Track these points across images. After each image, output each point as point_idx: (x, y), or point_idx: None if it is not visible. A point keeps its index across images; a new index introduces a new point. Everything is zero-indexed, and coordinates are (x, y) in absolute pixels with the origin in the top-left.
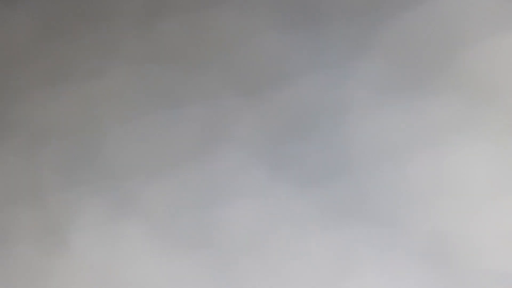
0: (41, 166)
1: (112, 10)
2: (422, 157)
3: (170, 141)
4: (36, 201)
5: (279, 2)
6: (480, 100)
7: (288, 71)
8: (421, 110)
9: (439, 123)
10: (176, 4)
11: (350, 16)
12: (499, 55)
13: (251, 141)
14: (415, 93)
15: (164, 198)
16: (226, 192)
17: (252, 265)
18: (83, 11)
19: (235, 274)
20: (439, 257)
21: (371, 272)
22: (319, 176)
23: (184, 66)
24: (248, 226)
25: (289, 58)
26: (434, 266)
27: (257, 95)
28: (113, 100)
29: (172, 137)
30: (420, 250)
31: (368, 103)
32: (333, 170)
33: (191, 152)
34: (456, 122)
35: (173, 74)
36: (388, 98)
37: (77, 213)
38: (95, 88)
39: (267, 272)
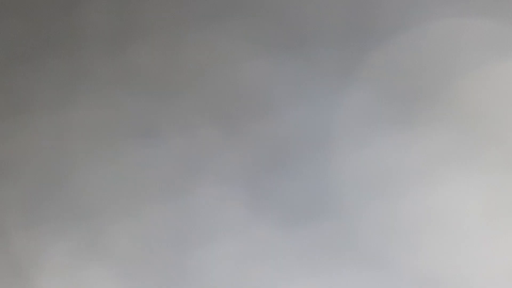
0: (2, 203)
1: (80, 33)
2: (412, 192)
3: (142, 175)
4: None
5: (261, 27)
6: (472, 131)
7: (271, 101)
8: (411, 142)
9: (429, 155)
10: (150, 27)
11: (338, 44)
12: (490, 85)
13: (230, 176)
14: (405, 124)
15: (136, 238)
16: (203, 233)
17: None
18: (48, 35)
19: None
20: None
21: None
22: (304, 214)
23: (158, 94)
24: (226, 269)
25: (272, 87)
26: None
27: (237, 126)
28: (81, 131)
29: (145, 171)
30: None
31: (356, 135)
32: (318, 207)
33: (165, 188)
34: (447, 154)
35: (146, 102)
36: (377, 129)
37: (42, 255)
38: (62, 118)
39: None
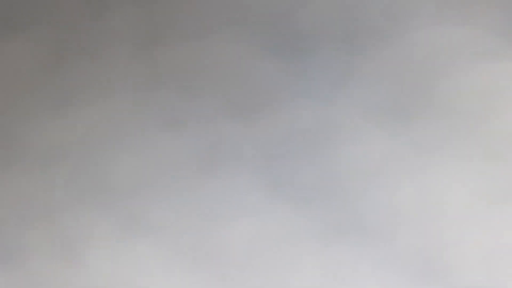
0: (52, 186)
1: (111, 38)
2: (407, 179)
3: (172, 162)
4: (49, 220)
5: (268, 30)
6: (464, 125)
7: (279, 96)
8: (406, 134)
9: (424, 147)
10: (174, 34)
11: (337, 45)
12: (482, 82)
13: (246, 163)
14: (400, 118)
15: (169, 217)
16: (225, 213)
17: (252, 282)
18: (82, 40)
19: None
20: (429, 274)
21: (365, 286)
22: (312, 197)
23: (181, 92)
24: (247, 244)
25: (279, 83)
26: (422, 280)
27: (250, 119)
28: (117, 123)
29: (172, 159)
30: (410, 266)
31: (355, 127)
32: (325, 190)
33: (189, 173)
34: (439, 147)
35: (171, 98)
36: (373, 123)
37: (88, 232)
38: (100, 111)
39: (265, 287)
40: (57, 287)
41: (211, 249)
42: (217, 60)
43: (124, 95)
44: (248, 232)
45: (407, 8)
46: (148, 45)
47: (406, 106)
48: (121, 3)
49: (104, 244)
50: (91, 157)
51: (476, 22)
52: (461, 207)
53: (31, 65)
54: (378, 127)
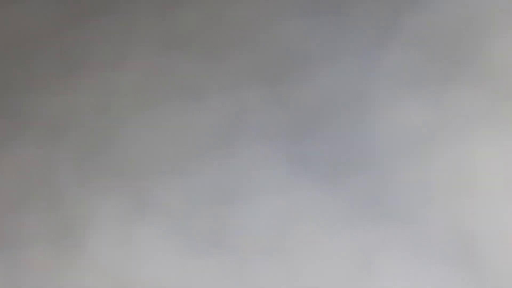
0: (56, 161)
1: None
2: (445, 152)
3: (187, 135)
4: (51, 199)
5: None
6: (505, 92)
7: (309, 60)
8: (445, 104)
9: (464, 117)
10: None
11: (373, 5)
12: None
13: (271, 135)
14: (439, 84)
15: (181, 195)
16: (245, 189)
17: (272, 265)
18: (99, 1)
19: (254, 274)
20: (462, 256)
21: (392, 270)
22: (340, 171)
23: (201, 55)
24: (267, 223)
25: (311, 46)
26: (456, 265)
27: (277, 85)
28: (129, 90)
29: (189, 131)
30: (442, 249)
31: (391, 95)
32: (354, 165)
33: (209, 147)
34: (481, 116)
35: (190, 63)
36: (412, 90)
37: (92, 212)
38: (111, 77)
39: (287, 271)
40: (57, 275)
41: (227, 233)
42: (241, 19)
43: (138, 58)
44: (269, 213)
45: None
46: (166, 4)
47: (448, 72)
48: None
49: (108, 228)
50: (99, 129)
51: None
52: (503, 183)
53: (38, 25)
54: (416, 95)
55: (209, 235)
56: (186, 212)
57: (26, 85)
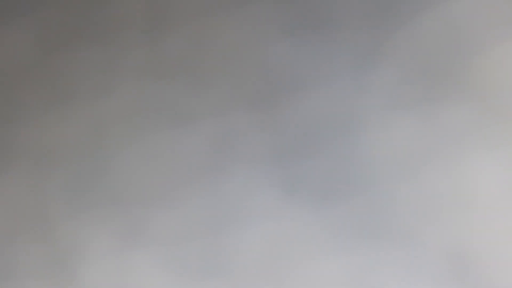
0: (46, 193)
1: (115, 24)
2: (438, 169)
3: (178, 161)
4: (42, 231)
5: (286, 9)
6: (496, 109)
7: (298, 82)
8: (436, 120)
9: (455, 133)
10: (180, 16)
11: (361, 24)
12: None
13: (261, 159)
14: (430, 103)
15: (174, 224)
16: (237, 215)
17: None
18: (84, 25)
19: None
20: (460, 276)
21: None
22: (334, 194)
23: (190, 80)
24: (261, 250)
25: (299, 68)
26: (452, 284)
27: (266, 109)
28: (119, 119)
29: (181, 157)
30: (440, 269)
31: (381, 114)
32: (347, 187)
33: (200, 173)
34: (472, 132)
35: (179, 90)
36: (402, 108)
37: (84, 243)
38: (100, 107)
39: None
40: None
41: (221, 259)
42: (227, 44)
43: (128, 86)
44: (262, 237)
45: None
46: (153, 30)
47: (436, 89)
48: None
49: (102, 258)
50: (90, 159)
51: None
52: (499, 199)
53: (25, 56)
54: (406, 113)
55: (203, 262)
56: (179, 239)
57: (13, 115)
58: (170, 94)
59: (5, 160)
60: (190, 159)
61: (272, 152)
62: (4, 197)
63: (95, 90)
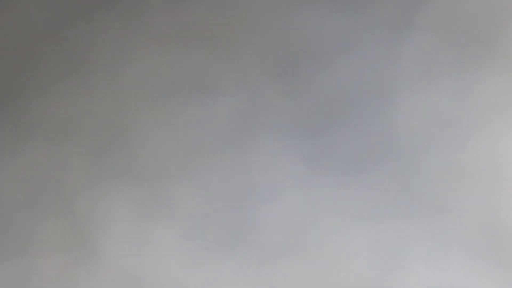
0: (64, 166)
1: None
2: (472, 140)
3: (200, 133)
4: (61, 204)
5: None
6: None
7: (325, 50)
8: (470, 89)
9: (489, 102)
10: None
11: None
12: None
13: (287, 130)
14: (463, 71)
15: (196, 196)
16: (261, 187)
17: (292, 264)
18: None
19: (273, 276)
20: (495, 250)
21: (422, 267)
22: (361, 165)
23: (213, 49)
24: (286, 223)
25: (326, 35)
26: (488, 260)
27: (292, 78)
28: (139, 89)
29: (203, 129)
30: (475, 242)
31: (413, 83)
32: (376, 157)
33: (223, 145)
34: (506, 102)
35: (202, 58)
36: (435, 77)
37: (104, 216)
38: (119, 76)
39: (308, 271)
40: (70, 281)
41: (243, 233)
42: (251, 11)
43: (150, 55)
44: (284, 211)
45: None
46: None
47: (471, 56)
48: None
49: (121, 231)
50: (109, 129)
51: None
52: None
53: (41, 24)
54: (439, 81)
55: (224, 236)
56: (201, 212)
57: (32, 87)
58: (194, 64)
59: (23, 131)
60: (213, 130)
61: (297, 122)
62: (23, 168)
63: (114, 58)
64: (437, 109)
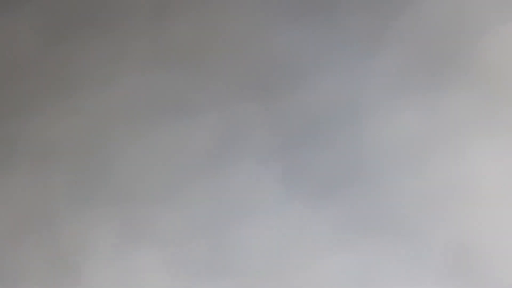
0: (48, 189)
1: (119, 13)
2: (441, 160)
3: (182, 155)
4: (45, 228)
5: None
6: (501, 95)
7: (300, 71)
8: (440, 108)
9: (459, 121)
10: (184, 5)
11: (363, 10)
12: None
13: (264, 151)
14: (433, 91)
15: (177, 220)
16: (241, 211)
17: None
18: (88, 15)
19: None
20: (463, 269)
21: (392, 287)
22: (333, 186)
23: (195, 70)
24: (264, 246)
25: (301, 55)
26: (457, 278)
27: (269, 99)
28: (123, 112)
29: (185, 151)
30: (443, 262)
31: (385, 103)
32: (349, 178)
33: (203, 167)
34: (476, 120)
35: (184, 79)
36: (406, 97)
37: (88, 240)
38: (103, 98)
39: None
40: None
41: (223, 258)
42: (231, 33)
43: (131, 76)
44: (265, 233)
45: None
46: (157, 20)
47: (440, 76)
48: None
49: (106, 257)
50: (93, 152)
51: None
52: (503, 190)
53: (28, 47)
54: (410, 101)
55: (206, 260)
56: (182, 236)
57: (15, 108)
58: (174, 85)
59: (7, 155)
60: (194, 152)
61: (273, 142)
62: (4, 193)
63: (98, 80)
64: (409, 127)
